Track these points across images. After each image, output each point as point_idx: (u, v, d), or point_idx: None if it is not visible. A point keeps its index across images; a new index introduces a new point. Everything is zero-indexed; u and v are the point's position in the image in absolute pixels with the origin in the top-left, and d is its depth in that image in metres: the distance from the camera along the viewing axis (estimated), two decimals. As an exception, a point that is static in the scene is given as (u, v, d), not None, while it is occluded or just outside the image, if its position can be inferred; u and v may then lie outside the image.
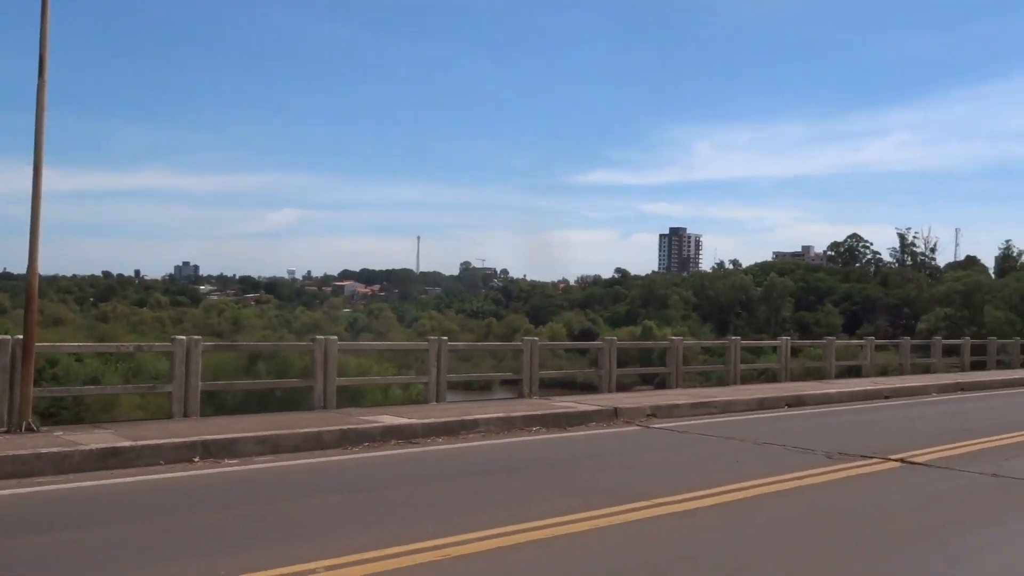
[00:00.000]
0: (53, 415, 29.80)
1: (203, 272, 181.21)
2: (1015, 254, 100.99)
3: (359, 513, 7.40)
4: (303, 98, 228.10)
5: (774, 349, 22.54)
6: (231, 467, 9.24)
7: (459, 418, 11.86)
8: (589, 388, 20.74)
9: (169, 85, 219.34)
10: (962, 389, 21.12)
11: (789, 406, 16.32)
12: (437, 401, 13.69)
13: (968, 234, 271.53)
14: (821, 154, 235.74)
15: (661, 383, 19.60)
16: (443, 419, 11.70)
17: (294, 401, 15.00)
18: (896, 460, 10.70)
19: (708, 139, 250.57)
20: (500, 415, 12.39)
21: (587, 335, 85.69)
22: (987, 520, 7.89)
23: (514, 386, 15.78)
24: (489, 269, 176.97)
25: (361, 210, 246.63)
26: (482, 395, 26.34)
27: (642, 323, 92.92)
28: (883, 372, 25.14)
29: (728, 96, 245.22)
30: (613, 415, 13.70)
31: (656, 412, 14.24)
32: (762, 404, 15.98)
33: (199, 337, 11.40)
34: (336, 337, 12.90)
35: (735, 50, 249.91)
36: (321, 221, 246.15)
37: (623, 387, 18.07)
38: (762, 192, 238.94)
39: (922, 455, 11.07)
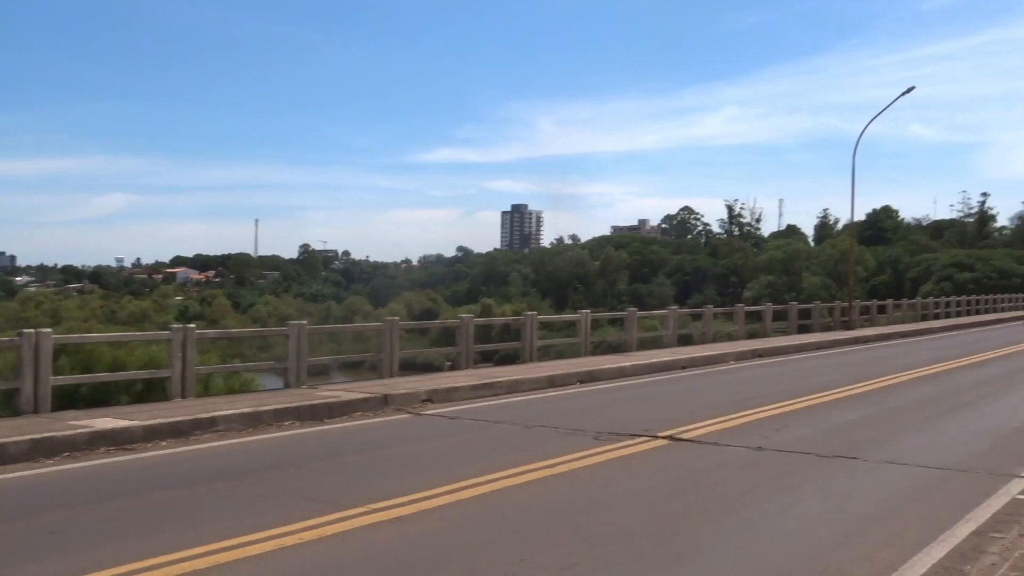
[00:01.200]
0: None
1: (21, 263, 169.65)
2: (831, 222, 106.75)
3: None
4: (130, 77, 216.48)
5: (612, 322, 22.12)
6: None
7: (193, 416, 10.43)
8: (433, 369, 20.11)
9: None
10: (759, 356, 21.18)
11: (581, 382, 15.66)
12: (183, 397, 12.19)
13: (791, 204, 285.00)
14: (657, 129, 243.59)
15: (510, 358, 18.85)
16: (172, 419, 10.25)
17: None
18: (665, 437, 10.09)
19: (550, 115, 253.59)
20: (246, 410, 11.04)
21: (428, 315, 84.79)
22: (732, 505, 7.23)
23: (355, 370, 14.98)
24: (331, 251, 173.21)
25: (195, 193, 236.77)
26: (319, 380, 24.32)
27: (482, 301, 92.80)
28: (714, 339, 25.09)
29: (568, 74, 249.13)
30: (383, 403, 12.59)
31: (433, 397, 13.22)
32: (552, 382, 15.24)
33: None
34: (51, 330, 11.21)
35: (573, 27, 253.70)
36: (152, 206, 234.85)
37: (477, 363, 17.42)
38: (602, 167, 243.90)
39: (693, 430, 10.52)
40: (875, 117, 33.37)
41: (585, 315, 19.29)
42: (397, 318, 16.13)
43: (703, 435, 10.27)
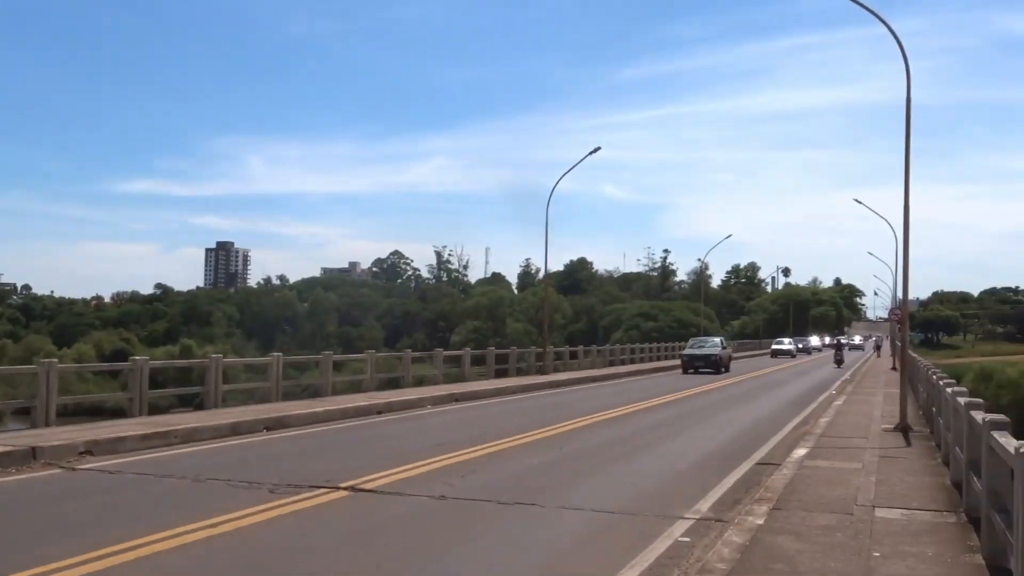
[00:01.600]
0: None
1: None
2: (533, 271, 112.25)
3: None
4: None
5: (317, 364, 21.13)
6: None
7: None
8: (120, 413, 17.95)
9: None
10: (456, 400, 21.28)
11: (269, 429, 14.77)
12: None
13: (497, 253, 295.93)
14: (368, 173, 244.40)
15: (200, 404, 17.25)
16: None
17: None
18: (346, 488, 9.58)
19: (260, 153, 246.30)
20: None
21: (119, 356, 78.95)
22: (408, 561, 6.87)
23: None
24: (8, 284, 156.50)
25: None
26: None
27: (181, 341, 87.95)
28: (420, 382, 24.80)
29: (280, 112, 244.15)
30: (31, 456, 11.06)
31: (94, 448, 11.81)
32: (236, 429, 14.23)
33: None
34: None
35: (286, 67, 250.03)
36: None
37: (157, 410, 15.68)
38: (313, 208, 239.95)
39: (377, 479, 10.11)
40: (565, 174, 35.42)
41: (276, 358, 18.33)
42: (55, 360, 14.36)
43: (387, 484, 9.88)
